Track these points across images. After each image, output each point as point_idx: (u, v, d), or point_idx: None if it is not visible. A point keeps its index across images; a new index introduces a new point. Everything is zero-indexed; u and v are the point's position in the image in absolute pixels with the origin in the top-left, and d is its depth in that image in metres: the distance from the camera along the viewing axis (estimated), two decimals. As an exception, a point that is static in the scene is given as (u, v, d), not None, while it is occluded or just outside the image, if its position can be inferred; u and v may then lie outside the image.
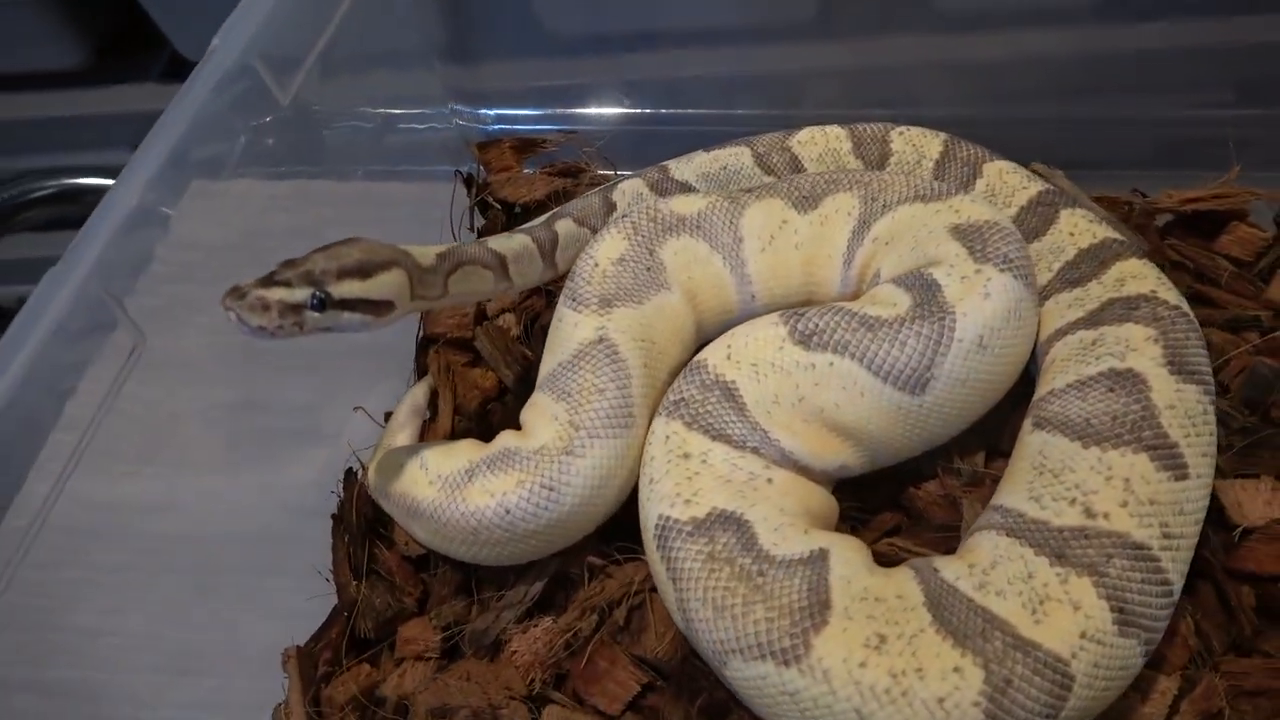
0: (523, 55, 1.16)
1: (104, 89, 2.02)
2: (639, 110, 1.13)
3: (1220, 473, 0.82)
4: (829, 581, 0.66)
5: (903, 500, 0.84)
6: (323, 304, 0.69)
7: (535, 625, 0.78)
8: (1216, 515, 0.80)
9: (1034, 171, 0.99)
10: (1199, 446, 0.70)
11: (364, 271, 0.71)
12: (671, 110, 1.15)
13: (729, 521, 0.70)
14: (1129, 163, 1.09)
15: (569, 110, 1.12)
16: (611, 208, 0.95)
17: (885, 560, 0.76)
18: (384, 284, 0.72)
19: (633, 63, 1.16)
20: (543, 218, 0.92)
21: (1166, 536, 0.66)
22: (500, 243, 0.85)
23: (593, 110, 1.14)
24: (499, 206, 1.07)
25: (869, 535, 0.83)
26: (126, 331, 0.81)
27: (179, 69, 2.06)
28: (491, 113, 1.18)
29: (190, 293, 1.15)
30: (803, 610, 0.64)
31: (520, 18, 1.08)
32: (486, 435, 0.94)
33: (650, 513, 0.73)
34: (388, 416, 0.96)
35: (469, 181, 1.08)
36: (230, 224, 1.19)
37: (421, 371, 0.99)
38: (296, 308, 0.68)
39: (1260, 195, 0.95)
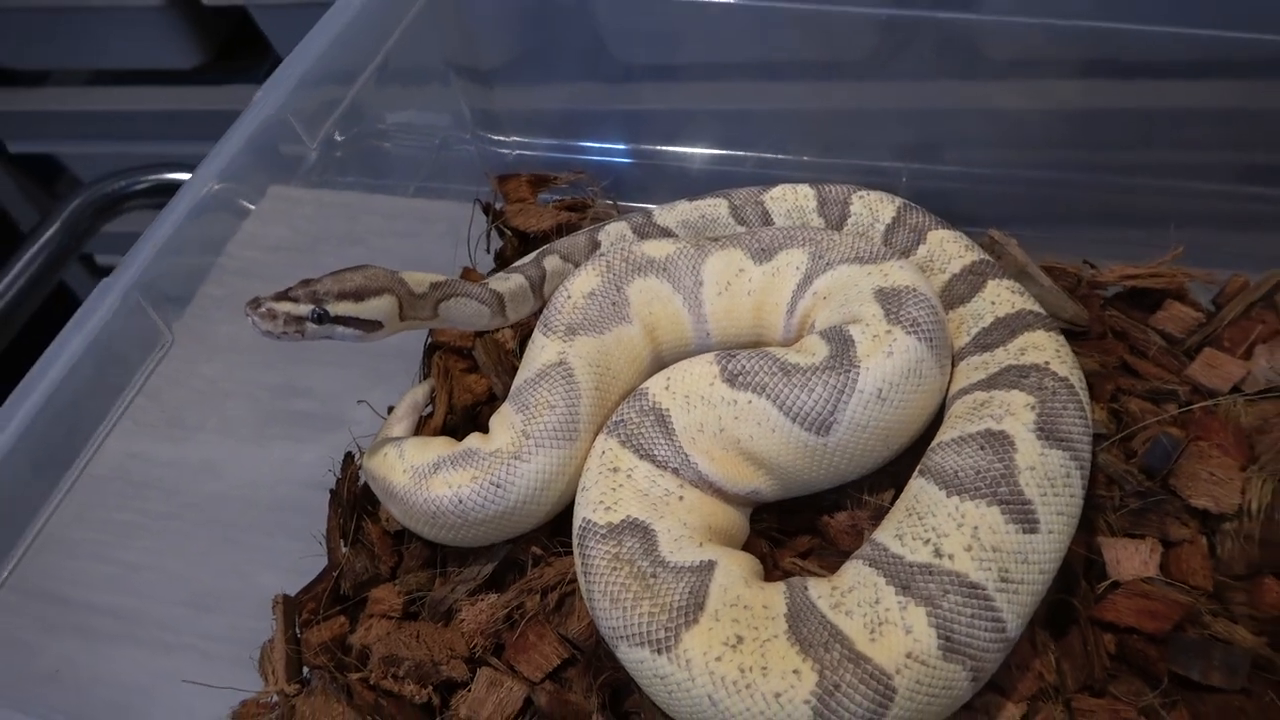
0: (545, 94, 1.30)
1: (216, 88, 2.25)
2: (647, 146, 1.26)
3: (1108, 530, 0.91)
4: (709, 588, 0.78)
5: (817, 526, 0.95)
6: (321, 318, 0.86)
7: (483, 599, 0.92)
8: (1097, 568, 0.89)
9: (990, 238, 1.08)
10: (1055, 506, 0.79)
11: (359, 296, 0.88)
12: (676, 149, 1.27)
13: (637, 529, 0.82)
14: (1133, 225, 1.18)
15: (583, 143, 1.26)
16: (595, 246, 1.08)
17: (788, 576, 0.88)
18: (374, 307, 0.88)
19: (643, 102, 1.29)
20: (533, 255, 1.06)
21: (1004, 580, 0.75)
22: (499, 283, 1.00)
23: (605, 144, 1.27)
24: (511, 233, 1.21)
25: (784, 554, 0.94)
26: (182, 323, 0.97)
27: (282, 73, 2.28)
28: (511, 140, 1.32)
29: (254, 287, 1.33)
30: (680, 609, 0.76)
31: (544, 65, 1.22)
32: (467, 431, 1.08)
33: (577, 515, 0.86)
34: (390, 410, 1.11)
35: (487, 209, 1.22)
36: (297, 228, 1.37)
37: (426, 373, 1.14)
38: (300, 319, 0.85)
39: (1194, 276, 1.02)
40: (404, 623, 0.92)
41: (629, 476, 0.87)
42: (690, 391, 0.90)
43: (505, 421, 0.92)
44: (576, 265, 1.05)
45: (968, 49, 1.22)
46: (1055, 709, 0.80)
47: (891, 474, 0.93)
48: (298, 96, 0.94)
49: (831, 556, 0.92)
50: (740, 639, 0.74)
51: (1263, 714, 0.79)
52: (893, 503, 0.93)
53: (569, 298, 0.98)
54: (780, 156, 1.26)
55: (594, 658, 0.87)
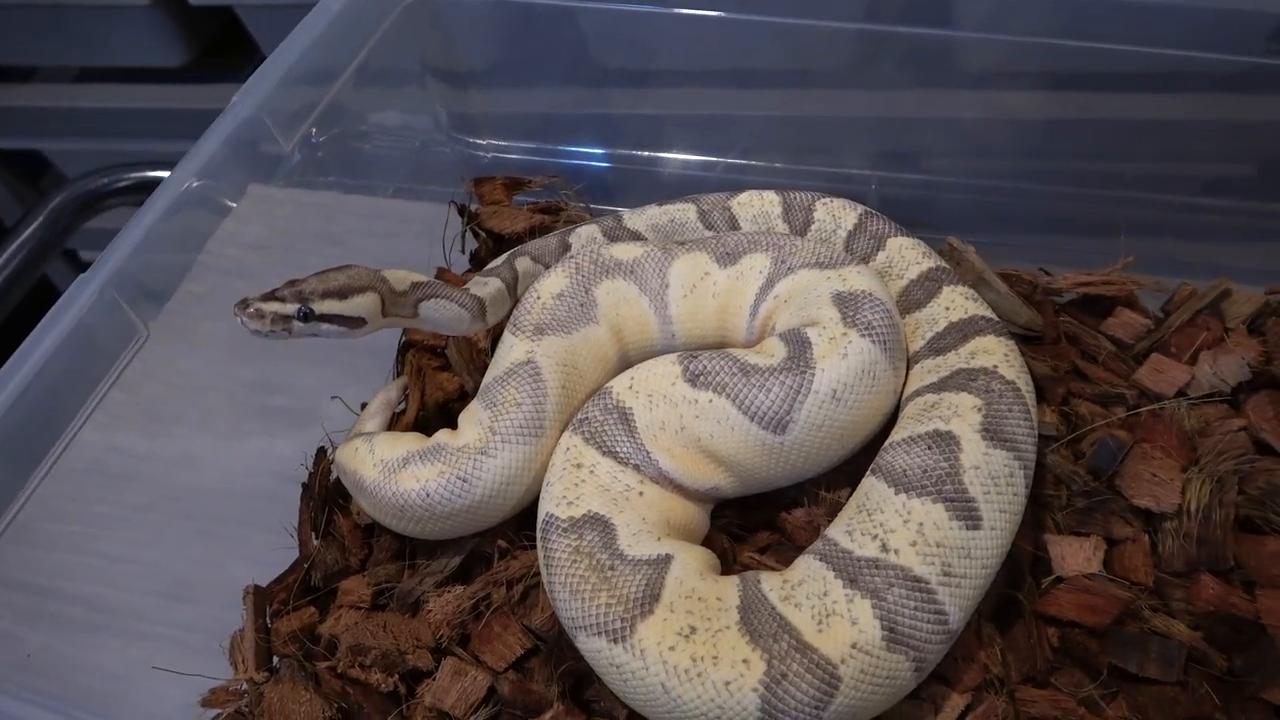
0: (521, 98, 1.33)
1: (202, 86, 2.27)
2: (620, 151, 1.29)
3: (1055, 527, 0.94)
4: (665, 581, 0.81)
5: (777, 522, 0.98)
6: (307, 317, 0.89)
7: (450, 591, 0.95)
8: (1044, 564, 0.92)
9: (949, 245, 1.11)
10: (998, 504, 0.82)
11: (343, 294, 0.91)
12: (649, 154, 1.30)
13: (597, 523, 0.85)
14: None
15: (558, 147, 1.29)
16: (566, 248, 1.11)
17: (746, 571, 0.91)
18: (358, 305, 0.92)
19: (617, 107, 1.32)
20: (504, 257, 1.09)
21: (947, 575, 0.78)
22: (480, 288, 1.03)
23: (579, 149, 1.30)
24: (486, 234, 1.24)
25: (743, 549, 0.97)
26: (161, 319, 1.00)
27: (268, 73, 2.30)
28: (486, 143, 1.35)
29: (233, 284, 1.36)
30: (635, 600, 0.79)
31: (521, 70, 1.25)
32: (441, 429, 1.11)
33: (541, 509, 0.89)
34: (364, 406, 1.14)
35: (463, 211, 1.25)
36: (276, 227, 1.40)
37: (399, 371, 1.16)
38: (286, 318, 0.89)
39: (1144, 284, 1.05)
40: (372, 613, 0.94)
41: (591, 472, 0.89)
42: (653, 390, 0.93)
43: (473, 418, 0.95)
44: (547, 267, 1.08)
45: (935, 61, 1.25)
46: (999, 700, 0.83)
47: (848, 472, 0.96)
48: (276, 97, 0.96)
49: (789, 552, 0.95)
50: (693, 629, 0.77)
51: (1196, 705, 0.82)
52: (848, 497, 0.97)
53: (538, 298, 1.00)
54: (751, 162, 1.29)
55: (556, 648, 0.89)
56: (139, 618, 1.07)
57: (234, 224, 1.42)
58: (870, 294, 0.94)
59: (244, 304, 0.88)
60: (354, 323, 0.93)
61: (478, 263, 1.26)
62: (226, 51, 2.29)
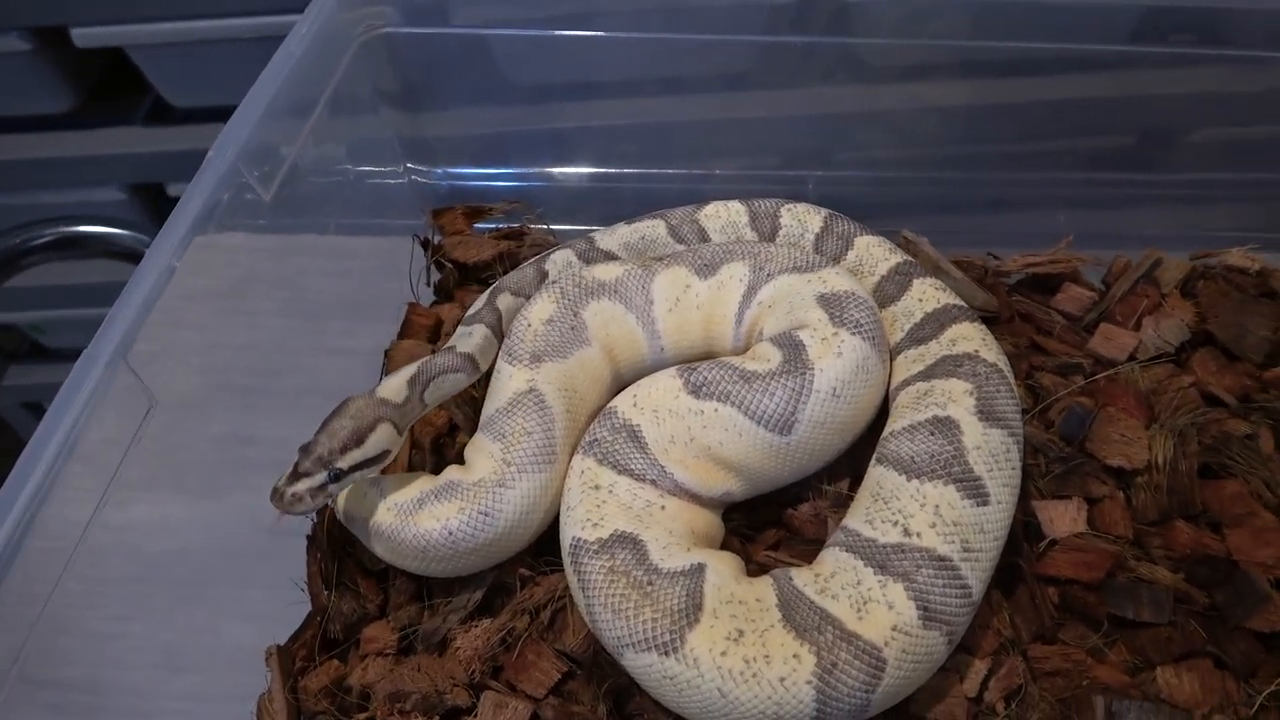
0: (474, 123, 1.33)
1: (92, 132, 2.16)
2: (576, 169, 1.31)
3: (1038, 493, 1.01)
4: (703, 589, 0.83)
5: (783, 519, 1.02)
6: (338, 476, 0.89)
7: (476, 625, 0.95)
8: (1035, 529, 0.99)
9: (904, 238, 1.17)
10: (1000, 479, 0.88)
11: (359, 439, 0.91)
12: (606, 169, 1.33)
13: (627, 541, 0.87)
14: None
15: (513, 170, 1.30)
16: (544, 276, 1.12)
17: (765, 569, 0.94)
18: (376, 442, 0.92)
19: (567, 123, 1.34)
20: (484, 298, 1.09)
21: (966, 551, 0.84)
22: (465, 342, 1.02)
23: (534, 169, 1.31)
24: (451, 266, 1.23)
25: (756, 549, 1.01)
26: (144, 396, 0.96)
27: (163, 112, 2.22)
28: (441, 171, 1.34)
29: (185, 338, 1.32)
30: (680, 612, 0.81)
31: (474, 93, 1.25)
32: (439, 467, 1.10)
33: (566, 534, 0.90)
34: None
35: (425, 244, 1.24)
36: (221, 275, 1.36)
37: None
38: (322, 488, 0.88)
39: (1085, 260, 1.14)
40: (401, 657, 0.94)
41: (611, 492, 0.91)
42: (658, 406, 0.95)
43: (483, 451, 0.95)
44: (528, 298, 1.09)
45: (858, 62, 1.32)
46: (1015, 660, 0.89)
47: (846, 464, 1.01)
48: (253, 146, 0.94)
49: (800, 546, 0.99)
50: (741, 632, 0.80)
51: (1188, 641, 0.90)
52: (850, 489, 1.01)
53: (529, 326, 1.01)
54: (698, 171, 1.33)
55: (594, 667, 0.91)
56: (138, 695, 1.03)
57: (179, 277, 1.38)
58: (852, 293, 0.99)
59: (279, 496, 0.88)
60: (380, 459, 0.93)
61: (444, 294, 1.26)
62: (116, 93, 2.19)
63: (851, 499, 1.00)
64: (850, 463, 1.01)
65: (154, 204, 2.33)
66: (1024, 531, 0.98)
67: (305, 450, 0.91)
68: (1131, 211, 1.25)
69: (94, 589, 1.11)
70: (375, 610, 0.98)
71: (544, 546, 0.99)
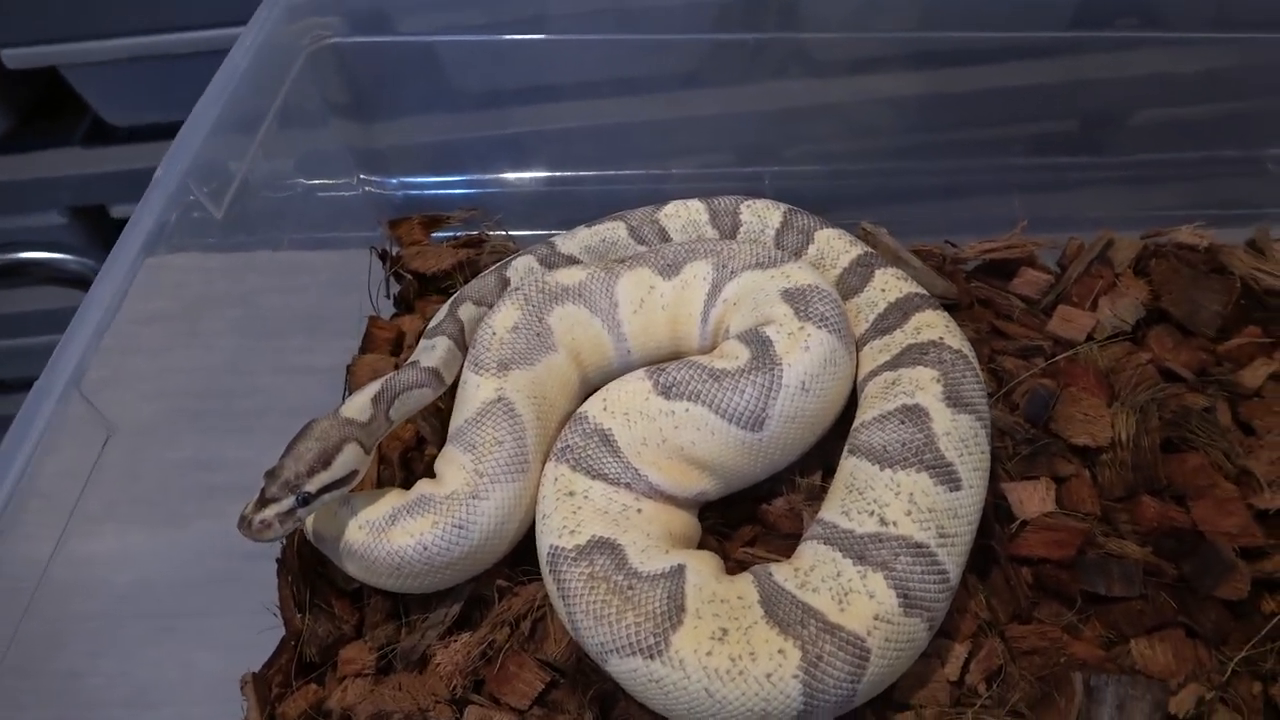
0: (427, 131, 1.32)
1: (29, 155, 2.10)
2: (531, 174, 1.30)
3: (1007, 475, 1.02)
4: (684, 590, 0.83)
5: (758, 515, 1.02)
6: (307, 500, 0.87)
7: (455, 640, 0.94)
8: (1005, 511, 1.00)
9: (863, 229, 1.18)
10: (971, 463, 0.89)
11: (325, 461, 0.89)
12: (563, 173, 1.32)
13: (605, 546, 0.86)
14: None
15: (472, 176, 1.28)
16: (506, 283, 1.11)
17: (743, 565, 0.94)
18: (344, 463, 0.90)
19: (525, 130, 1.33)
20: (446, 308, 1.07)
21: (942, 536, 0.84)
22: (428, 356, 1.01)
23: (490, 175, 1.30)
24: (411, 277, 1.22)
25: (732, 546, 1.01)
26: (100, 424, 0.94)
27: (102, 132, 2.17)
28: (392, 181, 1.33)
29: (137, 363, 1.28)
30: (663, 614, 0.81)
31: (425, 101, 1.24)
32: (409, 482, 1.08)
33: (543, 543, 0.90)
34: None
35: (383, 256, 1.23)
36: (173, 296, 1.33)
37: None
38: (290, 512, 0.87)
39: (1041, 244, 1.16)
40: (381, 677, 0.92)
41: (586, 498, 0.91)
42: (629, 409, 0.95)
43: (454, 463, 0.94)
44: (491, 307, 1.08)
45: (804, 55, 1.33)
46: (994, 641, 0.90)
47: (817, 456, 1.01)
48: (202, 162, 0.91)
49: (776, 540, 0.99)
50: (725, 631, 0.80)
51: (1159, 613, 0.92)
52: (823, 481, 1.02)
53: (494, 334, 1.00)
54: (656, 171, 1.33)
55: (578, 675, 0.90)
56: (110, 732, 1.01)
57: (130, 300, 1.34)
58: (816, 287, 0.99)
59: (245, 523, 0.86)
60: (348, 479, 0.92)
61: (405, 306, 1.24)
62: (52, 115, 2.13)
63: (825, 491, 1.00)
64: (821, 455, 1.02)
65: (98, 226, 2.27)
66: (995, 514, 0.99)
67: (271, 475, 0.89)
68: (1081, 194, 1.28)
69: (58, 628, 1.08)
70: (351, 631, 0.97)
71: (520, 556, 0.98)
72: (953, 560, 0.85)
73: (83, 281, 1.56)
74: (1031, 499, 0.99)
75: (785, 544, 0.99)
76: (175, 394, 1.23)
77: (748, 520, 1.03)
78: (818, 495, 1.00)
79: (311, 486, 0.88)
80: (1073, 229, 1.18)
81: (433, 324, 1.07)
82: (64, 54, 1.97)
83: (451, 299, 1.09)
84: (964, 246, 1.19)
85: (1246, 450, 0.99)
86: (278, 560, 1.01)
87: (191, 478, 1.20)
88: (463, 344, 1.05)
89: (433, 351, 1.02)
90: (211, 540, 1.13)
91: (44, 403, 0.84)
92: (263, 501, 0.87)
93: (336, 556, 0.95)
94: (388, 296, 1.24)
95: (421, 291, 1.23)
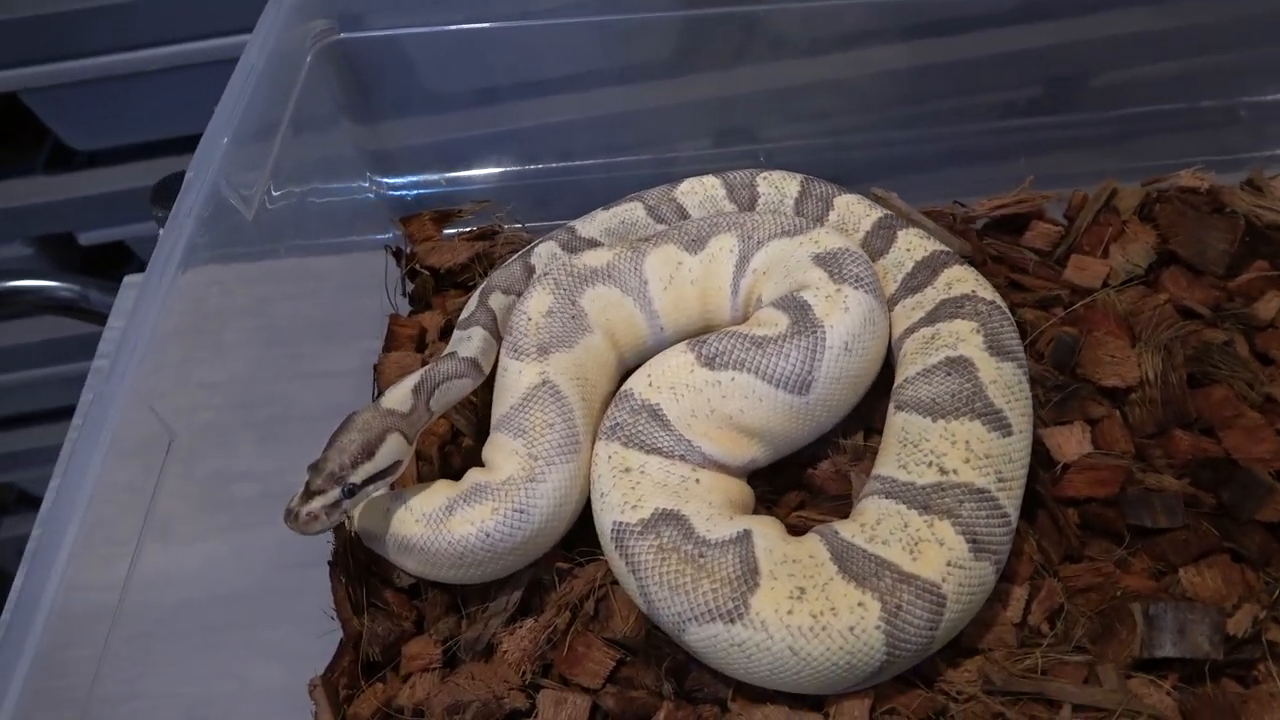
0: (426, 129, 1.30)
1: (-10, 183, 2.04)
2: (541, 165, 1.30)
3: (1042, 422, 1.04)
4: (755, 554, 0.84)
5: (804, 480, 1.03)
6: (352, 491, 0.87)
7: (520, 627, 0.93)
8: (1044, 456, 1.02)
9: (874, 195, 1.20)
10: (1018, 409, 0.91)
11: (369, 452, 0.89)
12: (570, 162, 1.32)
13: (670, 518, 0.87)
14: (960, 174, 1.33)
15: (480, 171, 1.28)
16: (531, 270, 1.10)
17: (797, 530, 0.95)
18: (387, 453, 0.90)
19: (526, 120, 1.33)
20: (474, 300, 1.06)
21: (1001, 480, 0.86)
22: (466, 346, 1.00)
23: (499, 169, 1.29)
24: (427, 273, 1.21)
25: (781, 512, 1.01)
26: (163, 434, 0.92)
27: (65, 157, 2.11)
28: (402, 180, 1.31)
29: (153, 380, 1.25)
30: (738, 578, 0.82)
31: (429, 99, 1.23)
32: (446, 475, 1.08)
33: (605, 521, 0.89)
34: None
35: (398, 254, 1.21)
36: (181, 310, 1.30)
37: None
38: (336, 504, 0.86)
39: (1049, 197, 1.18)
40: (448, 670, 0.91)
41: (643, 472, 0.91)
42: (675, 382, 0.95)
43: (505, 449, 0.93)
44: (519, 295, 1.07)
45: (804, 31, 1.34)
46: (1051, 581, 0.92)
47: (855, 417, 1.03)
48: (230, 165, 0.89)
49: (825, 503, 1.00)
50: (803, 590, 0.81)
51: (1202, 541, 0.94)
52: (865, 441, 1.03)
53: (529, 320, 1.00)
54: (667, 155, 1.33)
55: (649, 649, 0.90)
56: (167, 755, 0.98)
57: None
58: (847, 250, 1.00)
59: (292, 516, 0.85)
60: (392, 469, 0.91)
61: (422, 303, 1.23)
62: (11, 142, 2.07)
63: (869, 451, 1.02)
64: (859, 416, 1.03)
65: (65, 254, 2.21)
66: (1035, 459, 1.01)
67: (316, 468, 0.88)
68: (1073, 153, 1.31)
69: (98, 654, 1.05)
70: (412, 627, 0.96)
71: (573, 539, 0.97)
72: (1011, 503, 0.87)
73: (73, 308, 1.52)
74: (1069, 442, 1.01)
75: (834, 506, 1.00)
76: (194, 409, 1.20)
77: (793, 486, 1.04)
78: (863, 455, 1.01)
79: (356, 478, 0.88)
80: (1066, 185, 1.21)
81: (464, 315, 1.06)
82: (20, 79, 1.93)
83: (479, 290, 1.08)
84: (973, 205, 1.21)
85: (1269, 378, 1.02)
86: (329, 563, 0.99)
87: (217, 492, 1.18)
88: (496, 333, 1.04)
89: (469, 342, 1.01)
90: (247, 555, 1.11)
91: (101, 429, 0.82)
92: (308, 494, 0.86)
93: (392, 553, 0.94)
94: (404, 295, 1.23)
95: (439, 287, 1.22)
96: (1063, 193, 1.21)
